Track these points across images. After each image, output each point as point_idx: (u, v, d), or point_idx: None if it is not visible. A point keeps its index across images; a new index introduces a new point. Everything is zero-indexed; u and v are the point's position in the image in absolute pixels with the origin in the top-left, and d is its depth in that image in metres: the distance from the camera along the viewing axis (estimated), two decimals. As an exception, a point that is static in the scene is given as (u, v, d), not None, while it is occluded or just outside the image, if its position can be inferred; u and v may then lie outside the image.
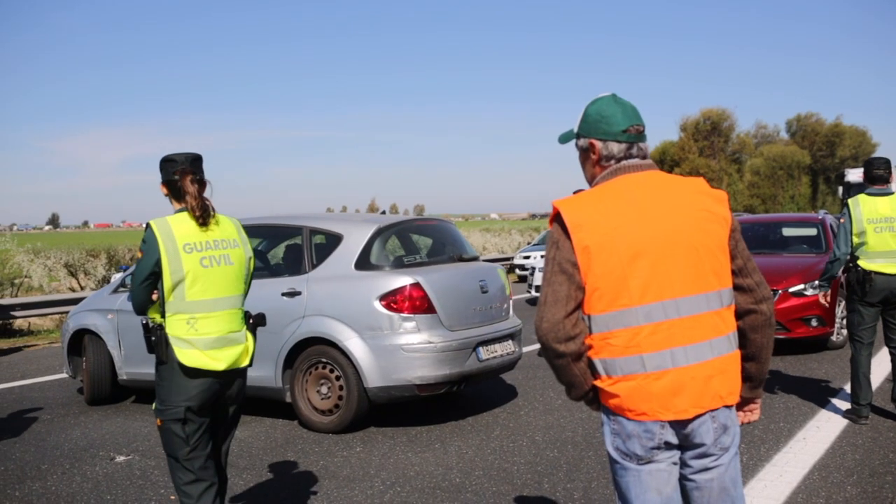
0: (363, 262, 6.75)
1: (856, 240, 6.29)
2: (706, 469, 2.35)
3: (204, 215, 3.71)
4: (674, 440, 2.31)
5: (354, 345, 6.48)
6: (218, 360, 3.67)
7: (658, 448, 2.31)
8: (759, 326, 2.42)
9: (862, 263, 6.27)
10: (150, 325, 3.72)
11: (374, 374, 6.44)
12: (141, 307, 3.73)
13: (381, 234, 6.98)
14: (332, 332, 6.57)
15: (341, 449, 6.14)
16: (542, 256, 23.34)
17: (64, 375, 9.32)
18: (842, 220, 6.38)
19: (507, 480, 5.24)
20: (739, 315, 2.42)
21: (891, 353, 6.52)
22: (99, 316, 8.03)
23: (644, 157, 2.47)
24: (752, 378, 2.49)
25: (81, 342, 8.13)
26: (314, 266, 6.94)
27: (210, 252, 3.69)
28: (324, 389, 6.67)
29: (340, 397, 6.58)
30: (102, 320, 7.97)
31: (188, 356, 3.62)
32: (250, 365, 3.91)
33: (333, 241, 6.98)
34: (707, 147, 63.19)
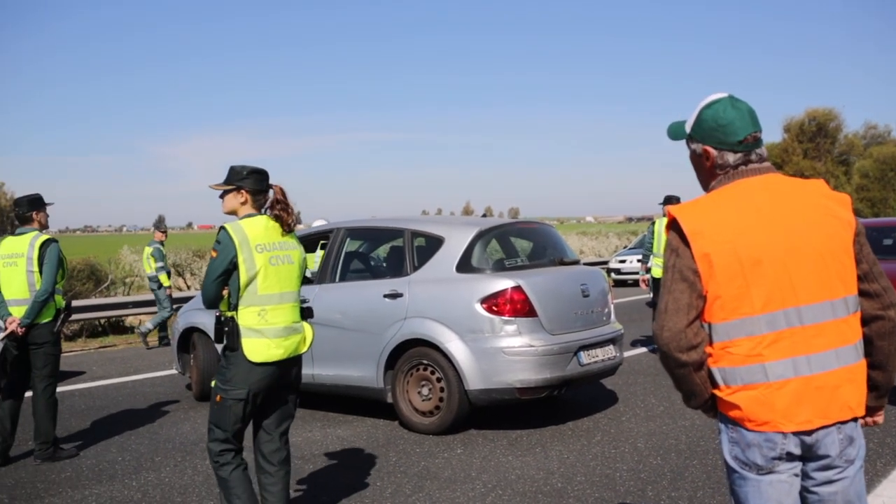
0: (464, 265, 6.78)
1: None
2: (830, 482, 2.26)
3: (291, 222, 4.19)
4: (796, 451, 2.24)
5: (455, 347, 6.51)
6: (281, 348, 4.09)
7: (779, 458, 2.24)
8: (886, 333, 2.33)
9: None
10: (223, 318, 4.13)
11: (475, 377, 6.45)
12: (212, 302, 4.11)
13: (483, 236, 7.00)
14: (433, 334, 6.62)
15: (442, 450, 6.18)
16: (638, 260, 23.00)
17: (174, 371, 9.66)
18: None
19: (610, 487, 5.18)
20: (865, 321, 2.33)
21: None
22: (207, 314, 8.27)
23: (762, 161, 2.39)
24: (878, 387, 2.39)
25: (190, 340, 8.40)
26: (416, 268, 7.00)
27: (277, 252, 4.11)
28: (425, 391, 6.73)
29: (441, 399, 6.62)
30: (210, 319, 8.22)
31: (256, 345, 4.02)
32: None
33: (435, 243, 7.03)
34: (812, 149, 61.03)
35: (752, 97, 2.46)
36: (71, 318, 11.57)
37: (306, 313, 4.40)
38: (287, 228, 4.17)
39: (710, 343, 2.28)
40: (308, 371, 7.39)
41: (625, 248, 29.94)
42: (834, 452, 2.24)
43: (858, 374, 2.28)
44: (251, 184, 4.15)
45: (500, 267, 6.96)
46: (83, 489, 5.48)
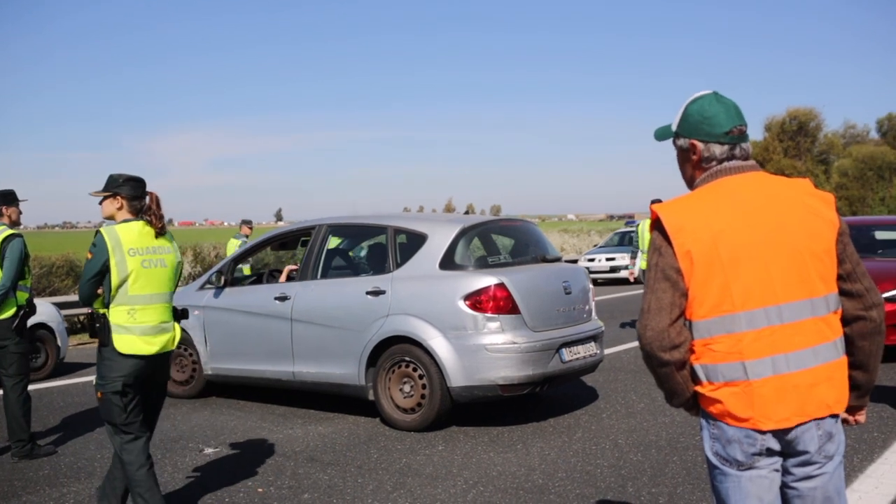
0: (448, 262, 6.78)
1: None
2: (809, 477, 2.28)
3: (162, 227, 4.52)
4: (776, 447, 2.25)
5: (438, 344, 6.51)
6: (150, 345, 4.39)
7: (759, 454, 2.25)
8: (867, 333, 2.34)
9: None
10: (95, 314, 4.45)
11: (457, 374, 6.46)
12: (87, 300, 4.44)
13: (466, 234, 7.00)
14: (416, 331, 6.62)
15: (424, 447, 6.18)
16: (606, 259, 23.09)
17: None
18: None
19: (591, 483, 5.19)
20: (847, 321, 2.34)
21: None
22: None
23: (746, 158, 2.39)
24: (859, 386, 2.41)
25: None
26: (398, 265, 6.99)
27: (150, 256, 4.44)
28: (406, 388, 6.72)
29: (423, 396, 6.62)
30: (188, 316, 8.17)
31: (125, 340, 4.33)
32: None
33: (418, 240, 7.03)
34: (792, 147, 61.43)
35: (734, 95, 2.48)
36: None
37: (180, 314, 4.75)
38: (158, 231, 4.48)
39: (692, 339, 2.28)
40: (288, 369, 7.38)
41: (595, 246, 30.10)
42: (813, 448, 2.25)
43: (837, 371, 2.29)
44: (127, 191, 4.47)
45: (483, 264, 6.97)
46: (61, 487, 5.44)
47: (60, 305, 12.81)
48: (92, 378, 9.63)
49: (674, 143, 2.50)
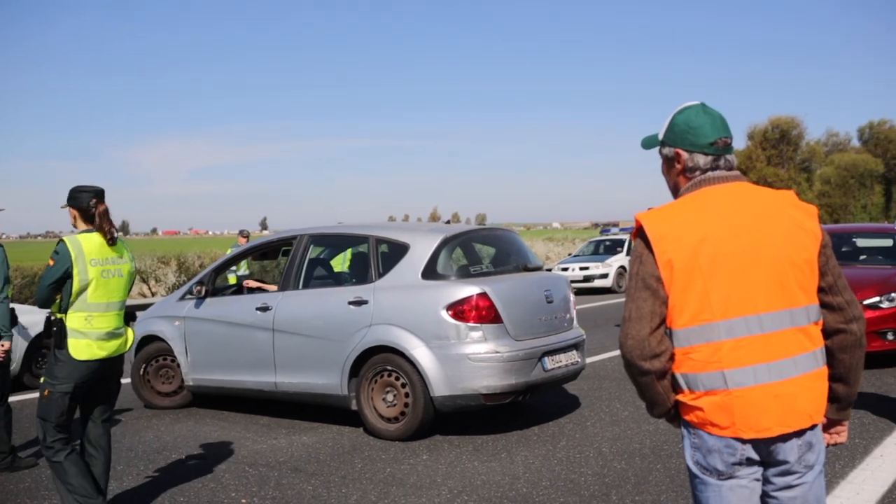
0: (430, 272, 6.78)
1: None
2: (789, 487, 2.29)
3: (112, 236, 4.67)
4: (756, 456, 2.26)
5: (421, 354, 6.51)
6: (104, 349, 4.62)
7: (739, 464, 2.26)
8: (848, 346, 2.34)
9: None
10: (52, 318, 4.65)
11: (440, 383, 6.46)
12: (44, 304, 4.62)
13: (448, 243, 7.01)
14: (398, 341, 6.61)
15: (408, 457, 6.17)
16: (580, 268, 23.06)
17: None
18: None
19: (575, 492, 5.20)
20: (828, 334, 2.34)
21: None
22: (166, 322, 8.21)
23: (730, 169, 2.41)
24: (839, 399, 2.41)
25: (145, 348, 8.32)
26: (381, 275, 6.99)
27: (109, 266, 4.64)
28: (389, 397, 6.71)
29: (406, 405, 6.61)
30: (170, 327, 8.15)
31: (81, 345, 4.53)
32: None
33: (400, 250, 7.02)
34: (775, 156, 61.86)
35: (716, 103, 2.50)
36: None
37: (129, 317, 4.96)
38: (109, 241, 4.66)
39: (673, 348, 2.29)
40: (270, 379, 7.35)
41: (569, 255, 30.11)
42: (793, 458, 2.26)
43: (817, 381, 2.29)
44: (75, 203, 4.67)
45: (465, 273, 6.99)
46: (42, 499, 5.40)
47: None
48: None
49: (660, 151, 2.52)
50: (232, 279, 12.95)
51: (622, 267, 22.96)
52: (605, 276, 22.71)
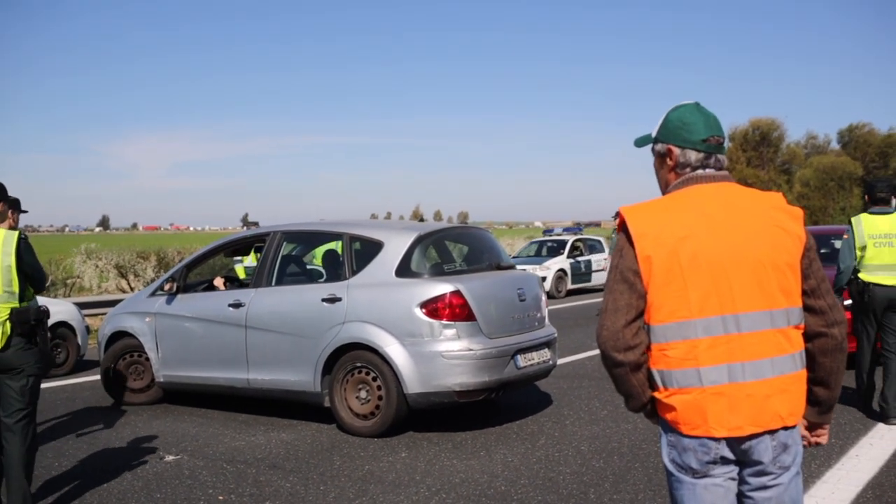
0: (404, 270, 6.78)
1: (858, 254, 6.95)
2: (765, 487, 2.29)
3: None
4: (730, 455, 2.27)
5: (394, 351, 6.51)
6: None
7: (714, 463, 2.27)
8: (829, 350, 2.35)
9: (862, 276, 6.96)
10: None
11: (413, 381, 6.47)
12: None
13: (422, 241, 7.02)
14: (372, 338, 6.61)
15: (387, 454, 6.16)
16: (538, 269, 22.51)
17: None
18: (845, 236, 7.07)
19: (553, 490, 5.21)
20: (809, 337, 2.35)
21: (883, 356, 7.07)
22: (136, 318, 8.16)
23: (721, 169, 2.42)
24: (820, 403, 2.42)
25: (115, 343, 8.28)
26: (354, 272, 6.97)
27: None
28: (363, 394, 6.71)
29: (379, 402, 6.61)
30: (140, 323, 8.10)
31: None
32: (5, 348, 4.67)
33: (374, 248, 7.02)
34: (756, 157, 62.25)
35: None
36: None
37: (24, 314, 4.82)
38: None
39: (650, 343, 2.30)
40: (243, 376, 7.33)
41: (511, 257, 29.00)
42: (767, 459, 2.27)
43: (793, 384, 2.29)
44: None
45: (438, 271, 7.02)
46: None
47: (82, 305, 12.70)
48: (49, 385, 9.53)
49: (652, 149, 2.53)
50: (240, 271, 12.70)
51: (562, 270, 21.60)
52: (542, 279, 21.55)
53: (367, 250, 7.12)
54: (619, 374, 2.33)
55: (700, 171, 2.40)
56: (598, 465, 5.74)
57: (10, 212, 6.39)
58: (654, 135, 2.51)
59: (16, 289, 4.71)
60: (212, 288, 8.29)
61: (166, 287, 8.03)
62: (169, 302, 7.97)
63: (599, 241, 23.56)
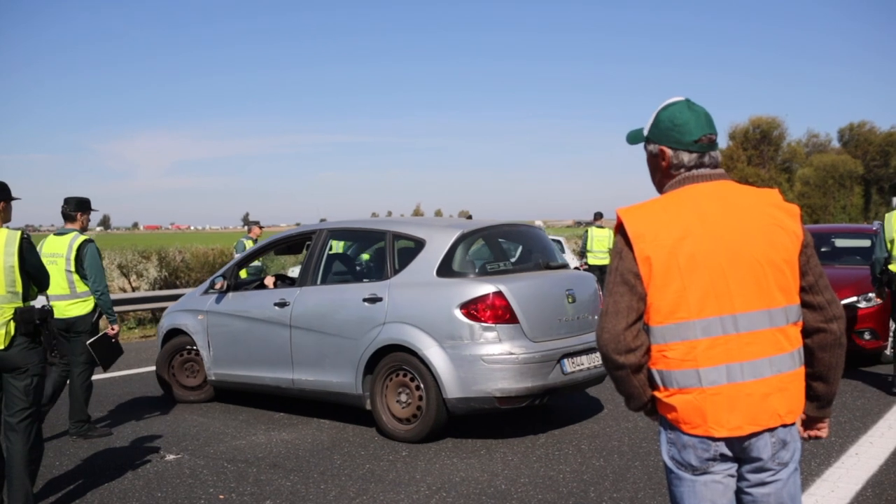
0: (445, 269, 6.58)
1: (888, 246, 7.70)
2: (763, 483, 2.30)
3: None
4: (729, 453, 2.28)
5: (434, 354, 6.31)
6: None
7: (713, 459, 2.28)
8: (828, 346, 2.35)
9: (892, 268, 7.67)
10: None
11: (453, 385, 6.25)
12: None
13: (465, 239, 6.79)
14: (411, 340, 6.41)
15: (387, 453, 6.17)
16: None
17: (113, 374, 9.50)
18: (875, 230, 7.81)
19: (553, 489, 5.22)
20: (808, 333, 2.35)
21: None
22: (190, 316, 8.13)
23: (715, 167, 2.41)
24: (819, 398, 2.42)
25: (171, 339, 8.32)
26: (396, 272, 6.78)
27: None
28: (403, 398, 6.53)
29: (420, 406, 6.43)
30: (193, 320, 8.07)
31: None
32: (9, 347, 4.64)
33: (416, 246, 6.82)
34: (756, 156, 62.18)
35: (698, 102, 2.50)
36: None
37: (27, 314, 4.79)
38: None
39: (650, 344, 2.30)
40: (288, 376, 7.25)
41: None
42: (766, 456, 2.28)
43: (792, 382, 2.30)
44: None
45: (482, 271, 6.75)
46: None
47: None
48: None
49: (645, 147, 2.51)
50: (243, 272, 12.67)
51: None
52: None
53: (409, 249, 6.91)
54: (620, 376, 2.33)
55: (695, 171, 2.39)
56: (598, 463, 5.75)
57: (78, 214, 6.91)
58: (645, 134, 2.49)
59: (19, 289, 4.70)
60: (262, 286, 8.21)
61: (217, 285, 7.98)
62: (219, 300, 7.92)
63: (560, 241, 23.55)
